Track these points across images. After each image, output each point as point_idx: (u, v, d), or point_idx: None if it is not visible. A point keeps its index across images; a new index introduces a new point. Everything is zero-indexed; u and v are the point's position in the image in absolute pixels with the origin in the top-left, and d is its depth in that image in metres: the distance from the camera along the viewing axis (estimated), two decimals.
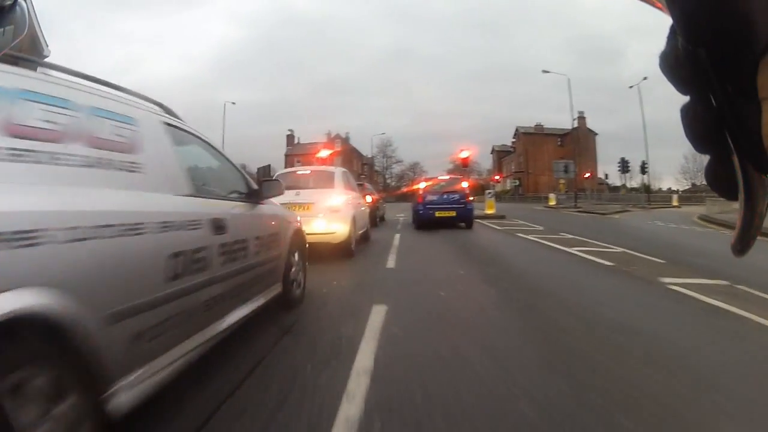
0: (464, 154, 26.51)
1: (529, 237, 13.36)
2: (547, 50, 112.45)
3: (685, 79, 0.41)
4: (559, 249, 10.64)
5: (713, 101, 0.40)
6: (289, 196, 9.11)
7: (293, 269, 5.27)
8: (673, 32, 0.41)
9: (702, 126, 0.42)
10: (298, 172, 10.93)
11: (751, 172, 0.41)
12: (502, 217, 22.18)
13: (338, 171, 10.59)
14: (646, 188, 51.00)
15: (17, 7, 1.75)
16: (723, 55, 0.38)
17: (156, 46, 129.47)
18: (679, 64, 0.41)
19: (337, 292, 6.32)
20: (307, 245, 6.02)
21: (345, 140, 76.11)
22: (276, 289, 4.74)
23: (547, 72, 43.50)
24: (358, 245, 10.71)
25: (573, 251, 10.12)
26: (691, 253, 10.18)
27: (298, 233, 5.59)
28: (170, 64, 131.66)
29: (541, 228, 16.60)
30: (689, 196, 51.50)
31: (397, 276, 7.57)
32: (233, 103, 50.38)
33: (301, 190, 9.48)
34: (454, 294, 6.10)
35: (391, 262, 8.84)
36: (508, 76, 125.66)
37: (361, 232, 11.37)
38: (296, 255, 5.45)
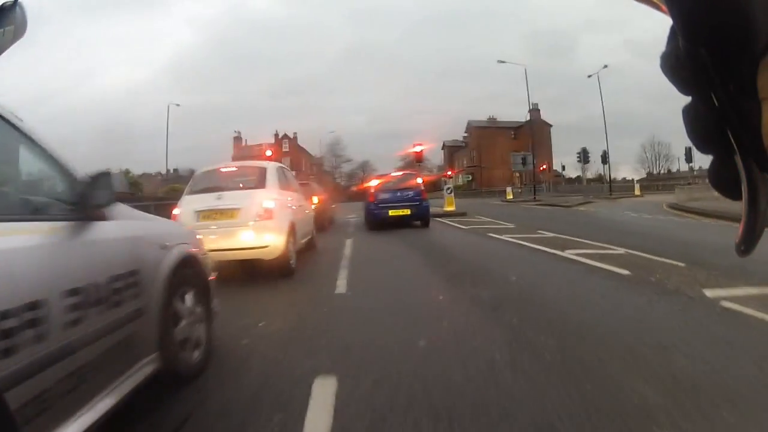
0: (418, 149, 25.08)
1: (504, 237, 11.50)
2: (503, 46, 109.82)
3: (686, 80, 0.41)
4: (550, 253, 8.70)
5: (715, 101, 0.40)
6: (208, 200, 7.10)
7: (182, 323, 3.40)
8: (673, 33, 0.41)
9: (704, 126, 0.42)
10: (222, 170, 8.62)
11: (754, 172, 0.40)
12: (464, 215, 20.57)
13: (271, 166, 8.37)
14: (608, 179, 49.36)
15: (17, 8, 1.60)
16: (723, 55, 0.38)
17: (112, 51, 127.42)
18: (680, 64, 0.41)
19: (263, 345, 4.26)
20: (211, 278, 4.14)
21: (293, 140, 74.00)
22: (148, 365, 2.87)
23: (503, 62, 43.12)
24: (301, 257, 8.64)
25: (568, 255, 8.24)
26: (706, 251, 8.29)
27: (191, 263, 3.65)
28: (126, 69, 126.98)
29: (512, 226, 14.79)
30: (648, 185, 52.03)
31: (351, 307, 5.52)
32: (177, 105, 47.98)
33: (223, 193, 7.38)
34: (441, 343, 4.04)
35: (341, 283, 6.77)
36: (463, 72, 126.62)
37: (304, 240, 9.27)
38: (188, 299, 3.55)
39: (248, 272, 7.43)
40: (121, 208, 2.94)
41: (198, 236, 4.20)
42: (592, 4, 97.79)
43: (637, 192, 42.84)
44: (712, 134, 0.41)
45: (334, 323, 4.83)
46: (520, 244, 10.19)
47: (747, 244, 0.42)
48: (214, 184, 7.77)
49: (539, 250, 9.16)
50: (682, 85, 0.42)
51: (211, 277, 4.08)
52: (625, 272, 6.55)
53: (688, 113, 0.42)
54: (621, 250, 8.45)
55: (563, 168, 73.09)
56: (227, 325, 4.55)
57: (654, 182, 58.36)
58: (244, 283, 6.94)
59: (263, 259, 7.06)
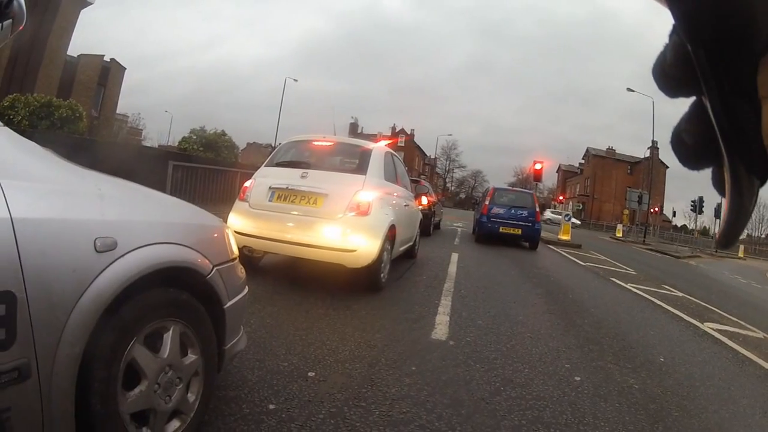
0: (538, 166, 23.14)
1: (629, 286, 9.95)
2: (622, 80, 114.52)
3: (679, 80, 0.42)
4: (690, 323, 7.19)
5: (708, 103, 0.41)
6: (290, 177, 5.57)
7: (142, 385, 1.96)
8: (673, 33, 0.41)
9: (695, 135, 0.44)
10: (316, 143, 6.65)
11: (741, 172, 0.42)
12: (579, 247, 18.68)
13: (379, 149, 6.61)
14: (715, 234, 47.52)
15: (15, 2, 1.54)
16: (723, 53, 0.38)
17: (243, 27, 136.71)
18: (676, 63, 0.41)
19: (302, 419, 2.68)
20: (236, 300, 2.65)
21: (410, 136, 73.33)
22: None
23: (632, 90, 40.13)
24: (396, 267, 7.02)
25: (710, 331, 6.85)
26: None
27: (179, 280, 2.19)
28: (255, 44, 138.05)
29: (633, 272, 13.12)
30: (746, 247, 50.33)
31: (450, 375, 3.69)
32: (295, 80, 48.27)
33: (311, 171, 5.83)
34: None
35: (442, 321, 5.06)
36: (579, 100, 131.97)
37: (404, 248, 7.50)
38: (166, 342, 2.10)
39: (318, 277, 5.95)
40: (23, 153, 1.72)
41: (221, 229, 2.59)
42: None
43: (740, 254, 42.65)
44: (705, 140, 0.42)
45: (422, 400, 3.13)
46: (650, 300, 8.69)
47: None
48: (302, 158, 6.25)
49: (676, 316, 7.59)
50: (673, 87, 0.42)
51: (235, 299, 2.52)
52: None
53: (680, 127, 0.44)
54: (760, 334, 7.31)
55: (674, 214, 69.46)
56: (255, 365, 3.24)
57: (752, 245, 57.60)
58: (305, 293, 5.40)
59: (347, 266, 5.48)
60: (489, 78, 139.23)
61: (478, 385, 3.49)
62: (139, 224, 1.97)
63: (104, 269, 1.67)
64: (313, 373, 3.27)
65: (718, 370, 5.01)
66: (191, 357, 2.16)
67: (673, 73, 0.41)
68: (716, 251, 40.15)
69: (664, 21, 0.39)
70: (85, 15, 30.46)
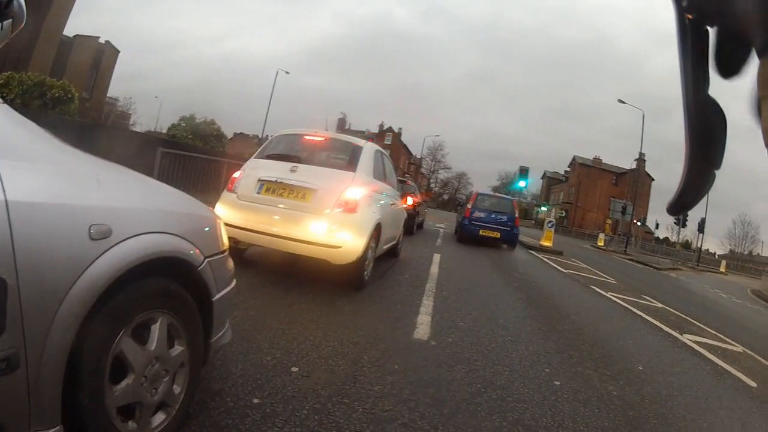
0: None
1: (609, 295, 10.05)
2: (612, 99, 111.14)
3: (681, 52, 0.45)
4: (669, 334, 7.27)
5: (683, 101, 0.45)
6: (279, 170, 5.54)
7: (129, 378, 1.93)
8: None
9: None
10: (306, 137, 6.55)
11: (702, 166, 0.46)
12: (560, 254, 18.85)
13: (369, 147, 6.66)
14: (697, 247, 48.68)
15: (15, 2, 1.55)
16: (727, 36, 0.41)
17: (257, 23, 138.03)
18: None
19: (285, 414, 2.67)
20: (225, 292, 2.64)
21: (396, 135, 73.02)
22: None
23: (623, 102, 40.75)
24: (379, 265, 7.01)
25: (689, 342, 6.94)
26: None
27: (169, 270, 2.16)
28: (266, 41, 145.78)
29: (613, 281, 13.29)
30: (728, 263, 51.65)
31: (432, 374, 3.70)
32: (287, 72, 48.07)
33: (300, 165, 5.79)
34: None
35: (424, 321, 5.07)
36: (571, 115, 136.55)
37: (387, 246, 7.49)
38: (153, 334, 2.06)
39: (302, 271, 5.96)
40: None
41: (214, 220, 2.56)
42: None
43: (722, 269, 43.98)
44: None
45: (405, 398, 3.14)
46: (630, 310, 8.75)
47: (676, 209, 0.50)
48: (292, 151, 6.19)
49: (656, 326, 7.67)
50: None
51: (223, 292, 2.50)
52: (753, 384, 5.44)
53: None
54: (739, 348, 7.45)
55: (657, 226, 70.01)
56: (239, 358, 3.22)
57: (734, 261, 59.11)
58: (289, 286, 5.39)
59: (332, 262, 5.45)
60: (488, 90, 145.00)
61: (459, 386, 3.50)
62: (135, 212, 1.92)
63: (98, 257, 1.62)
64: (297, 368, 3.26)
65: (696, 381, 5.09)
66: (178, 349, 2.13)
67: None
68: (697, 264, 40.76)
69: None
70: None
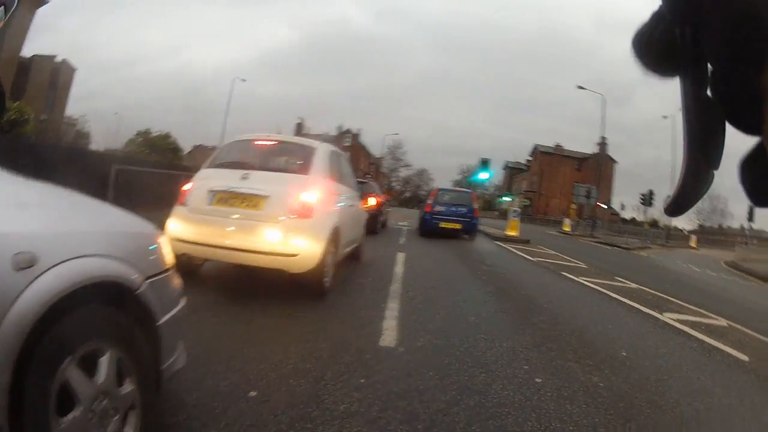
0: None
1: (581, 280, 9.94)
2: (568, 88, 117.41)
3: (666, 57, 0.43)
4: (648, 315, 7.14)
5: (682, 100, 0.43)
6: (230, 179, 5.29)
7: (77, 411, 1.77)
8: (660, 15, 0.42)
9: (660, 41, 0.43)
10: (257, 142, 6.46)
11: (701, 166, 0.44)
12: (527, 242, 19.01)
13: (324, 148, 6.41)
14: (666, 225, 49.37)
15: None
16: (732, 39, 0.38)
17: (214, 33, 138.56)
18: (661, 40, 0.42)
19: None
20: (171, 313, 2.41)
21: (355, 136, 73.05)
22: None
23: (582, 88, 40.85)
24: (340, 270, 6.70)
25: (670, 321, 6.79)
26: None
27: (114, 298, 2.02)
28: (224, 50, 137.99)
29: (584, 266, 13.21)
30: (699, 237, 52.23)
31: (402, 387, 3.40)
32: (243, 80, 47.82)
33: (252, 172, 5.53)
34: None
35: (390, 326, 4.81)
36: (528, 106, 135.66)
37: (348, 249, 7.22)
38: (101, 367, 1.91)
39: (261, 284, 5.68)
40: None
41: (158, 239, 2.33)
42: None
43: (692, 244, 44.43)
44: (670, 45, 0.42)
45: (374, 417, 2.87)
46: (605, 294, 8.63)
47: (674, 208, 0.47)
48: (243, 158, 5.93)
49: (633, 308, 7.56)
50: (652, 65, 0.44)
51: (171, 313, 2.26)
52: (744, 358, 5.37)
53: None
54: (723, 322, 7.38)
55: (623, 207, 71.10)
56: (193, 385, 2.92)
57: (705, 235, 59.75)
58: (247, 301, 5.10)
59: (288, 271, 5.19)
60: (444, 86, 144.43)
61: (433, 395, 3.25)
62: (62, 236, 1.79)
63: (24, 289, 1.50)
64: (255, 393, 2.99)
65: (684, 361, 4.99)
66: (128, 387, 1.96)
67: (656, 49, 0.43)
68: (667, 242, 41.29)
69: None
70: (55, 18, 30.32)
